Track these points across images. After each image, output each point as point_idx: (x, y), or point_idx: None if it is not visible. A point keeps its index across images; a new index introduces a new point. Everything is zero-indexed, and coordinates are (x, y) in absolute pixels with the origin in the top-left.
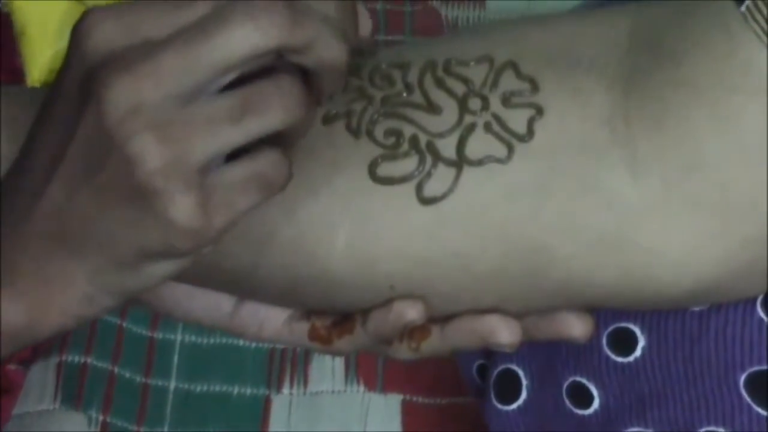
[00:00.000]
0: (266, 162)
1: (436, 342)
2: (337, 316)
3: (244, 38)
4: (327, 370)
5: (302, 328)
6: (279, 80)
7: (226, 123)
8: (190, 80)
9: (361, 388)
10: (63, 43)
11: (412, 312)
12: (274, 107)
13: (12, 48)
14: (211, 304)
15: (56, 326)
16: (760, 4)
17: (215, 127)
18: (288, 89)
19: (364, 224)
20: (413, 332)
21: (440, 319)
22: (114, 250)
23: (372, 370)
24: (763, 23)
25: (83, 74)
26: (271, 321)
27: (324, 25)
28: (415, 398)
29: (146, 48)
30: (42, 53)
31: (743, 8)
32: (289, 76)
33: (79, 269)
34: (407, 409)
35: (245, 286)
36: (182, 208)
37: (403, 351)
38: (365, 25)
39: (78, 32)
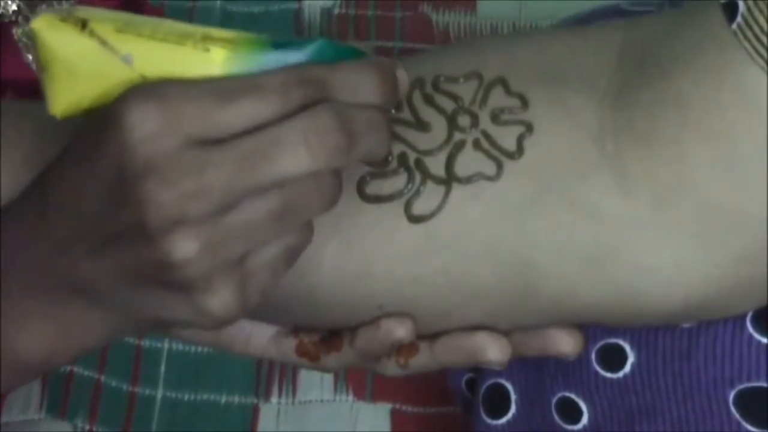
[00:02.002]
0: (294, 234)
1: (424, 359)
2: (324, 333)
3: (296, 165)
4: (316, 379)
5: (289, 344)
6: (320, 178)
7: (268, 226)
8: (236, 198)
9: (350, 396)
10: (89, 90)
11: (400, 330)
12: (314, 206)
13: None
14: None
15: (71, 359)
16: (752, 23)
17: (257, 231)
18: (329, 186)
19: (352, 243)
20: (401, 349)
21: (429, 336)
22: (137, 315)
23: (361, 378)
24: (755, 41)
25: (121, 170)
26: (258, 337)
27: (375, 132)
28: (404, 407)
29: (192, 156)
30: (65, 94)
31: (734, 26)
32: (329, 172)
33: (99, 318)
34: (396, 418)
35: None
36: (221, 303)
37: (391, 367)
38: (402, 80)
39: (118, 118)
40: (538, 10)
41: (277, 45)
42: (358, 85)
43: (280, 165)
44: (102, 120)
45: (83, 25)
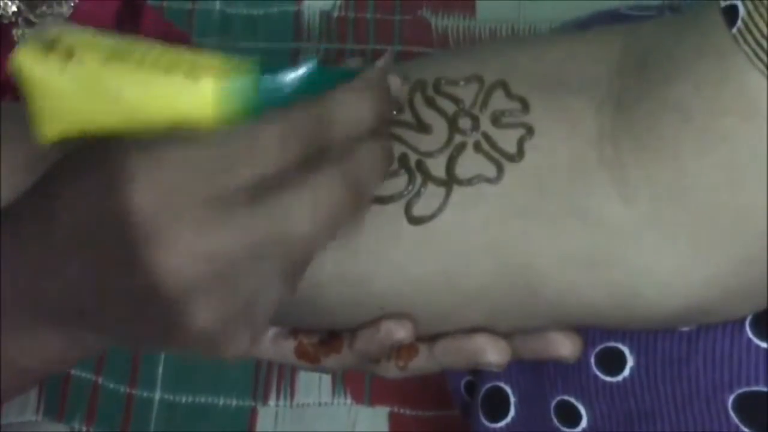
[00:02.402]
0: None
1: (423, 361)
2: (324, 334)
3: (304, 233)
4: (314, 382)
5: (289, 345)
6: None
7: (274, 281)
8: (246, 260)
9: (348, 400)
10: (77, 121)
11: (400, 331)
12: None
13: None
14: None
15: (72, 366)
16: (752, 27)
17: (264, 285)
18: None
19: (352, 243)
20: (401, 351)
21: (428, 337)
22: (132, 341)
23: (359, 382)
24: (754, 45)
25: (122, 234)
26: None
27: (380, 174)
28: (402, 410)
29: (200, 220)
30: (51, 125)
31: (735, 30)
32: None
33: (92, 336)
34: (395, 422)
35: None
36: (236, 348)
37: (390, 369)
38: (395, 85)
39: (117, 185)
40: (537, 13)
41: (266, 71)
42: (355, 118)
43: (288, 233)
44: (97, 182)
45: (70, 53)
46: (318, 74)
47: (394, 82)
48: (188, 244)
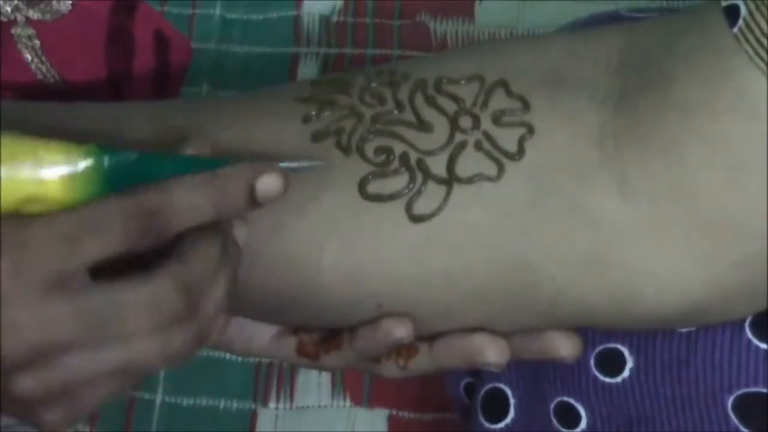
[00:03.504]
0: (137, 345)
1: (423, 360)
2: (324, 333)
3: (137, 330)
4: (313, 384)
5: (290, 343)
6: (166, 335)
7: (106, 376)
8: (77, 350)
9: (348, 402)
10: None
11: (400, 330)
12: (156, 362)
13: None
14: None
15: None
16: (753, 26)
17: (96, 378)
18: (174, 344)
19: (352, 242)
20: (401, 350)
21: (428, 337)
22: None
23: (358, 384)
24: (755, 44)
25: None
26: (258, 336)
27: (215, 285)
28: (401, 413)
29: (39, 307)
30: None
31: (736, 29)
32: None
33: None
34: (393, 424)
35: (234, 302)
36: (49, 421)
37: (391, 369)
38: (272, 185)
39: None
40: (536, 18)
41: (109, 155)
42: (193, 205)
43: (120, 330)
44: None
45: None
46: (162, 162)
47: (270, 182)
48: (24, 329)
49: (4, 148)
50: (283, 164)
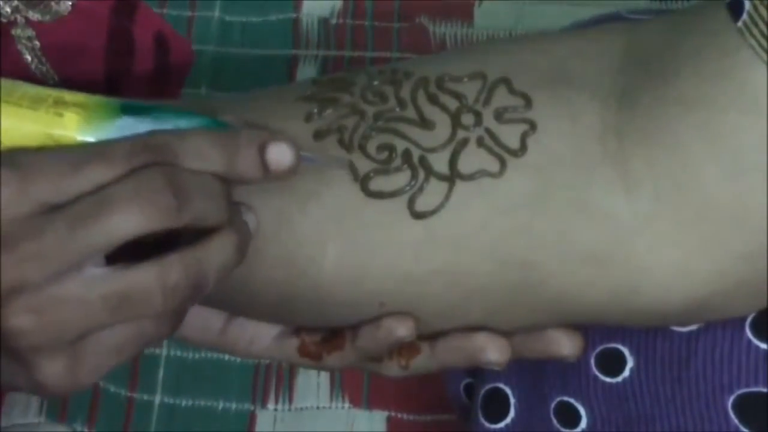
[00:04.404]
0: (148, 324)
1: (425, 360)
2: (326, 333)
3: (127, 225)
4: (312, 386)
5: (292, 344)
6: (164, 270)
7: (102, 311)
8: (74, 259)
9: (347, 404)
10: None
11: (401, 329)
12: (155, 303)
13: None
14: (200, 321)
15: None
16: (758, 20)
17: (91, 312)
18: (173, 283)
19: (354, 239)
20: (403, 350)
21: (429, 335)
22: None
23: (357, 386)
24: (760, 38)
25: None
26: (260, 337)
27: (207, 200)
28: (400, 415)
29: (35, 221)
30: None
31: (740, 24)
32: (176, 263)
33: None
34: (392, 426)
35: (236, 302)
36: (51, 377)
37: (392, 368)
38: (282, 156)
39: None
40: (535, 21)
41: (128, 110)
42: (203, 152)
43: (111, 224)
44: None
45: None
46: (181, 121)
47: (279, 150)
48: (18, 241)
49: (26, 91)
50: (304, 153)
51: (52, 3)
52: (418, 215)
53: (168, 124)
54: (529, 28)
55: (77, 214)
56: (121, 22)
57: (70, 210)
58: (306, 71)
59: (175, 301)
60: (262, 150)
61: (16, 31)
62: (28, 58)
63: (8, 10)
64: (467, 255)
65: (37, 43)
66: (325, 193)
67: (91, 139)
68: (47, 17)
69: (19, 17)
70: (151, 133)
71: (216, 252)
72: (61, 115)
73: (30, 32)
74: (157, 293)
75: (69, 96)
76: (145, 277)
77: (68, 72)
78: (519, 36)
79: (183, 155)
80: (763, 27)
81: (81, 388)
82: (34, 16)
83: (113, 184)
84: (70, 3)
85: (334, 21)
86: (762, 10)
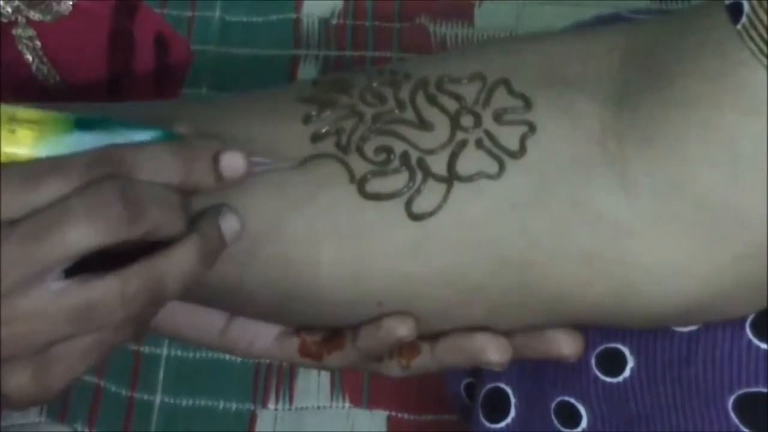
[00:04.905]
0: (109, 331)
1: (426, 360)
2: (327, 332)
3: (83, 238)
4: (312, 386)
5: (293, 344)
6: (123, 282)
7: (64, 323)
8: (31, 273)
9: (347, 403)
10: None
11: (402, 328)
12: (115, 313)
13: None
14: (201, 321)
15: None
16: (757, 22)
17: (54, 325)
18: (132, 293)
19: (350, 240)
20: (403, 349)
21: (429, 336)
22: None
23: (358, 385)
24: (759, 40)
25: None
26: (261, 337)
27: (163, 209)
28: (400, 414)
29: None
30: None
31: (739, 26)
32: (134, 275)
33: None
34: (393, 425)
35: (233, 301)
36: (16, 386)
37: (393, 368)
38: (235, 164)
39: None
40: (535, 21)
41: (82, 124)
42: (157, 164)
43: (65, 239)
44: None
45: None
46: (131, 131)
47: (232, 159)
48: None
49: None
50: (254, 158)
51: (53, 3)
52: (415, 217)
53: (121, 136)
54: (529, 29)
55: (32, 229)
56: (121, 22)
57: (26, 225)
58: (307, 71)
59: (135, 311)
60: (215, 159)
61: (17, 31)
62: (29, 58)
63: (9, 10)
64: (465, 256)
65: (38, 43)
66: (322, 195)
67: (45, 155)
68: (48, 17)
69: (20, 17)
70: (107, 147)
71: (177, 260)
72: (13, 131)
73: (31, 32)
74: (116, 304)
75: (22, 112)
76: (104, 289)
77: (69, 72)
78: (518, 37)
79: (138, 167)
80: (762, 30)
81: (47, 398)
82: (35, 16)
83: (67, 198)
84: (71, 3)
85: (334, 21)
86: (761, 12)
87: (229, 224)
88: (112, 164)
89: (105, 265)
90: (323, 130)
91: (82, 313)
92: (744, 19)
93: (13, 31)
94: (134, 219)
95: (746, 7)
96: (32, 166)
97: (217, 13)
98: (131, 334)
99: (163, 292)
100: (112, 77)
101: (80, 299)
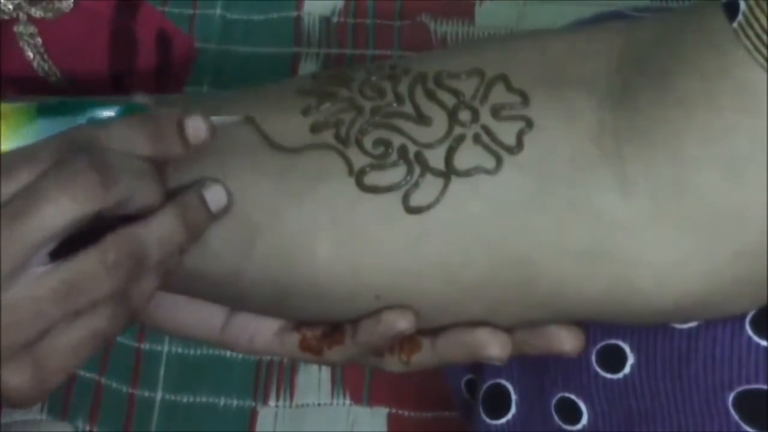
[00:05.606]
0: (101, 320)
1: (426, 355)
2: (327, 327)
3: (59, 212)
4: (313, 383)
5: (293, 339)
6: (102, 250)
7: (52, 304)
8: (16, 258)
9: (348, 400)
10: None
11: (402, 322)
12: (101, 283)
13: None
14: (201, 317)
15: None
16: (753, 21)
17: (43, 309)
18: (113, 260)
19: (347, 233)
20: (404, 345)
21: (430, 331)
22: None
23: (358, 382)
24: (755, 39)
25: None
26: (262, 333)
27: (134, 176)
28: (401, 411)
29: None
30: None
31: (735, 25)
32: (112, 242)
33: None
34: (393, 422)
35: (231, 294)
36: (15, 384)
37: (393, 363)
38: (196, 128)
39: None
40: (536, 20)
41: (43, 111)
42: (126, 138)
43: (43, 216)
44: None
45: None
46: (97, 112)
47: (195, 125)
48: None
49: None
50: (212, 118)
51: (55, 0)
52: (412, 210)
53: (84, 116)
54: (530, 27)
55: (9, 214)
56: (123, 19)
57: (4, 209)
58: (307, 69)
59: (120, 280)
60: (180, 126)
61: (19, 28)
62: (30, 55)
63: (10, 7)
64: (462, 250)
65: (39, 40)
66: (320, 187)
67: (12, 146)
68: (49, 14)
69: (21, 14)
70: (72, 129)
71: (156, 226)
72: None
73: (32, 29)
74: (100, 273)
75: None
76: (85, 261)
77: (71, 69)
78: (517, 33)
79: (105, 142)
80: (758, 28)
81: (45, 395)
82: (36, 13)
83: (39, 179)
84: (72, 0)
85: (335, 19)
86: (757, 11)
87: (213, 195)
88: (81, 144)
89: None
90: (323, 120)
91: (69, 290)
92: (740, 17)
93: (15, 28)
94: (106, 185)
95: (743, 5)
96: (2, 159)
97: (218, 11)
98: (122, 320)
99: (145, 258)
100: (114, 75)
101: (64, 276)
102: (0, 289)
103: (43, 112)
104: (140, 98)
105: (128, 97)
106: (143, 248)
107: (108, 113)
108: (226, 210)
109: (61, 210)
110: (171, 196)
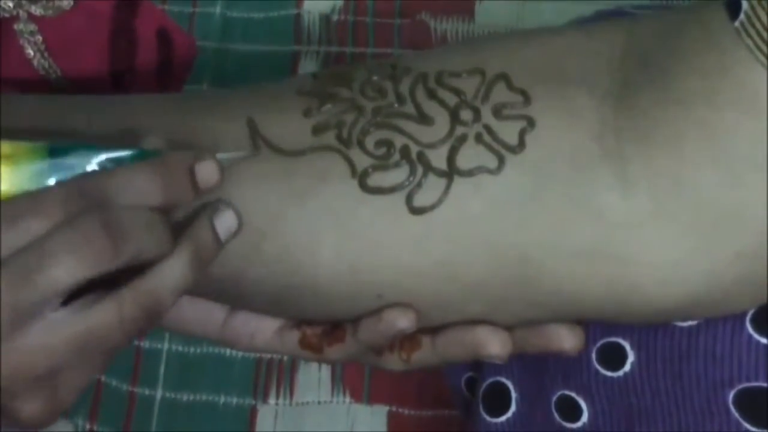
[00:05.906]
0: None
1: (426, 353)
2: (327, 325)
3: (69, 273)
4: (313, 381)
5: (293, 337)
6: (120, 307)
7: (66, 353)
8: (25, 311)
9: (347, 398)
10: None
11: (402, 320)
12: (115, 338)
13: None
14: (202, 314)
15: None
16: (755, 20)
17: (57, 356)
18: (130, 317)
19: (351, 234)
20: (404, 343)
21: (430, 329)
22: None
23: (358, 381)
24: (756, 38)
25: None
26: (262, 331)
27: (145, 231)
28: (401, 409)
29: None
30: None
31: (737, 23)
32: (130, 298)
33: None
34: (393, 421)
35: (235, 295)
36: (30, 413)
37: (394, 362)
38: (209, 171)
39: None
40: (536, 18)
41: (54, 152)
42: (135, 187)
43: (54, 276)
44: None
45: None
46: (103, 153)
47: (207, 169)
48: None
49: None
50: (219, 155)
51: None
52: (416, 211)
53: (94, 160)
54: (530, 26)
55: (20, 269)
56: (123, 17)
57: (12, 266)
58: (307, 67)
59: (134, 332)
60: (191, 172)
61: (19, 26)
62: (31, 53)
63: (10, 4)
64: (465, 249)
65: (39, 38)
66: (323, 189)
67: (23, 188)
68: (50, 12)
69: (21, 12)
70: (81, 177)
71: (168, 276)
72: None
73: (32, 27)
74: (116, 329)
75: None
76: (103, 316)
77: (71, 67)
78: (518, 31)
79: (116, 193)
80: (759, 27)
81: (58, 415)
82: (36, 11)
83: (50, 235)
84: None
85: (335, 17)
86: (759, 10)
87: (224, 222)
88: (89, 194)
89: (102, 280)
90: (324, 122)
91: (83, 342)
92: (742, 16)
93: (15, 26)
94: (118, 248)
95: (744, 4)
96: (9, 206)
97: (218, 9)
98: (135, 334)
99: (159, 307)
100: (114, 73)
101: (80, 329)
102: (10, 340)
103: (55, 152)
104: (152, 141)
105: (140, 140)
106: (158, 299)
107: (117, 156)
108: (235, 235)
109: (71, 273)
110: (180, 223)
